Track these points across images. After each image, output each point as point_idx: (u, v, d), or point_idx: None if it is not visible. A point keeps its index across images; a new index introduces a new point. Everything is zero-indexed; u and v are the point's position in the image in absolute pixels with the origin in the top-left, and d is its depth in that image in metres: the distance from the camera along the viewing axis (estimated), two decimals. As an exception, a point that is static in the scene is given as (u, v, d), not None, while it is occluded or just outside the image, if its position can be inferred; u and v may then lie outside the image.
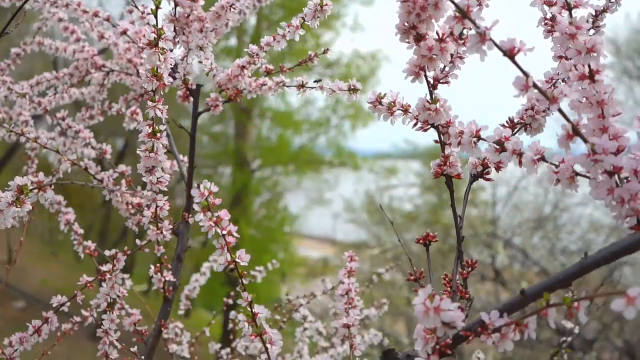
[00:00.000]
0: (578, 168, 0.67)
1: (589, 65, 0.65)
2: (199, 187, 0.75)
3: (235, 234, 0.77)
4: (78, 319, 1.28)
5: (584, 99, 0.67)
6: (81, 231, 1.26)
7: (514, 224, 7.77)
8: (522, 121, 0.83)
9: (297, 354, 1.55)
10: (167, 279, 1.14)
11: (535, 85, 0.61)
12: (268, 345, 0.79)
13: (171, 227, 1.07)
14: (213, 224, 0.76)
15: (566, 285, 0.62)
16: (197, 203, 0.75)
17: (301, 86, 1.13)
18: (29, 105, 1.42)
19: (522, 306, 0.63)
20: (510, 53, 0.61)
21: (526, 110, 0.83)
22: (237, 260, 0.77)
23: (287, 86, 1.17)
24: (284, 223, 11.62)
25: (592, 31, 0.86)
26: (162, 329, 1.17)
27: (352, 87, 1.06)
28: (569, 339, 1.29)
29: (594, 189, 0.63)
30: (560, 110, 0.62)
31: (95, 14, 1.28)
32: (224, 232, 0.76)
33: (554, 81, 0.83)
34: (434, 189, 9.83)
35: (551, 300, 0.60)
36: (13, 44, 1.50)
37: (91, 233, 9.71)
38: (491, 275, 6.89)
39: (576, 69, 0.67)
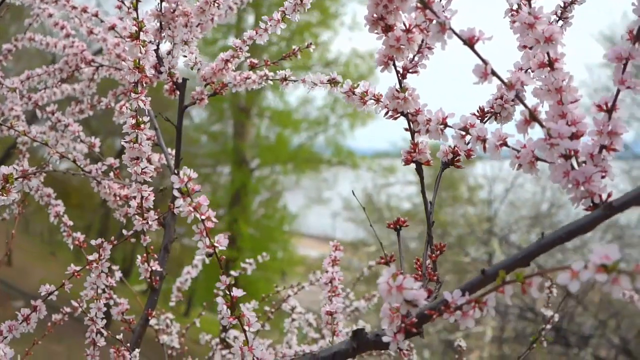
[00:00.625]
0: (539, 153, 0.69)
1: (548, 54, 0.68)
2: (178, 173, 0.77)
3: (214, 219, 0.79)
4: (68, 309, 1.30)
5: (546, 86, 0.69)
6: (70, 223, 1.29)
7: (511, 222, 7.80)
8: (492, 110, 0.85)
9: (286, 345, 1.57)
10: (153, 268, 1.16)
11: (493, 73, 0.64)
12: (246, 328, 0.81)
13: (157, 217, 1.10)
14: (192, 209, 0.78)
15: (525, 264, 0.64)
16: (176, 189, 0.77)
17: (284, 79, 1.16)
18: (21, 101, 1.45)
19: (483, 285, 0.66)
20: (469, 42, 0.64)
21: (496, 99, 0.85)
22: (215, 244, 0.80)
23: (271, 79, 1.20)
24: (283, 222, 11.65)
25: (560, 22, 0.89)
26: (149, 318, 1.19)
27: (332, 80, 1.09)
28: (548, 326, 1.32)
29: (552, 173, 0.66)
30: (518, 97, 0.65)
31: (84, 10, 1.30)
32: (203, 217, 0.79)
33: (523, 71, 0.86)
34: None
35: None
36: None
37: (90, 232, 9.74)
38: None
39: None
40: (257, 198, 11.76)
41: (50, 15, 1.40)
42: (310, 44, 1.23)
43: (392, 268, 0.64)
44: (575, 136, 0.66)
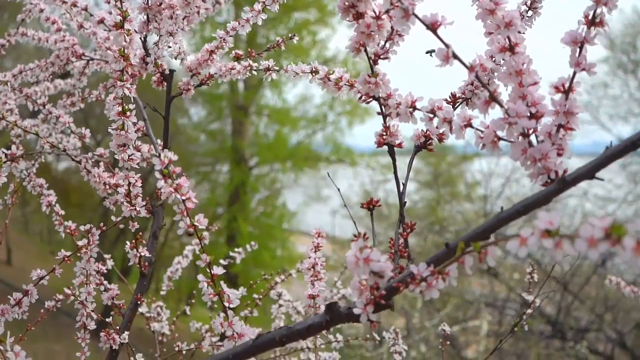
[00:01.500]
0: (502, 133, 0.73)
1: (509, 38, 0.71)
2: (159, 156, 0.80)
3: (195, 200, 0.82)
4: (60, 296, 1.33)
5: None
6: (62, 212, 1.32)
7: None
8: (463, 96, 0.88)
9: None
10: (142, 254, 1.20)
11: (455, 56, 0.67)
12: (226, 304, 0.85)
13: (144, 204, 1.13)
14: (173, 190, 0.81)
15: (485, 237, 0.68)
16: (158, 171, 0.80)
17: (267, 69, 1.20)
18: (15, 96, 1.48)
19: (447, 258, 0.69)
20: (432, 27, 0.67)
21: (467, 85, 0.88)
22: (196, 223, 0.83)
23: (255, 70, 1.23)
24: (282, 220, 11.68)
25: (530, 12, 0.92)
26: (139, 303, 1.22)
27: (314, 69, 1.11)
28: (529, 311, 1.35)
29: (512, 150, 0.69)
30: (478, 79, 0.68)
31: (74, 4, 1.33)
32: (184, 197, 0.82)
33: (493, 58, 0.89)
34: (430, 185, 9.91)
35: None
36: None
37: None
38: (485, 268, 6.96)
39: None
40: (256, 196, 11.80)
41: (42, 11, 1.43)
42: (294, 35, 1.26)
43: (359, 242, 0.68)
44: (535, 116, 0.70)
